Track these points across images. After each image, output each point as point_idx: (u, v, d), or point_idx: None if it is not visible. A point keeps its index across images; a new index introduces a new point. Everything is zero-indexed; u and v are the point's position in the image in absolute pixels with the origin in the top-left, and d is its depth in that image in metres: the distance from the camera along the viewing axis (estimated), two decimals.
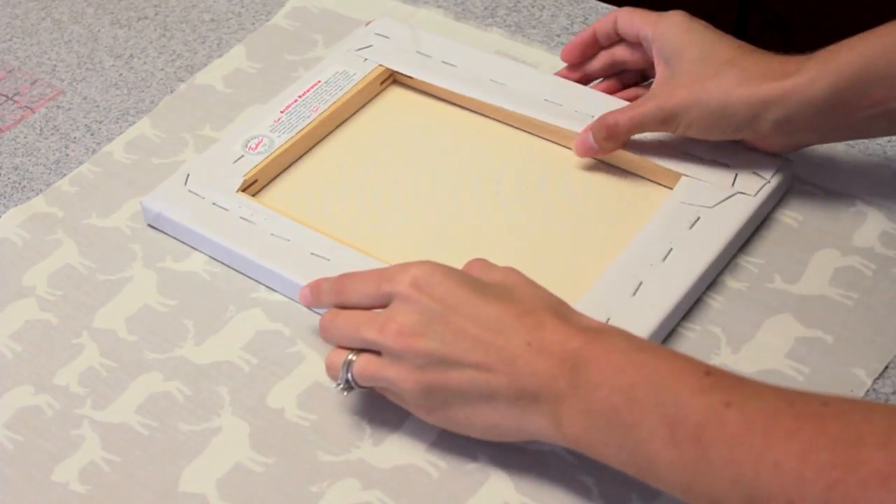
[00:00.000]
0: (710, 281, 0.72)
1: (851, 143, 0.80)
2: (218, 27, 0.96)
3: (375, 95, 0.86)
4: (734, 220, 0.73)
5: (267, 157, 0.80)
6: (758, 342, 0.69)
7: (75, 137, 0.87)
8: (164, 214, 0.78)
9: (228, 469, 0.66)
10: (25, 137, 0.88)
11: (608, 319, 0.68)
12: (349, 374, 0.65)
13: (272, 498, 0.65)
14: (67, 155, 0.86)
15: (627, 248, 0.72)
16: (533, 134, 0.82)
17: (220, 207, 0.77)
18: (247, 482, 0.65)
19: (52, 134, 0.88)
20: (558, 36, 0.91)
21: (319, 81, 0.85)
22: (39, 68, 0.94)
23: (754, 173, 0.75)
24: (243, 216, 0.76)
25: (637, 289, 0.69)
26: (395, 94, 0.87)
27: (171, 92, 0.90)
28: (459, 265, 0.71)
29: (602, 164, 0.79)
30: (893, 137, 0.80)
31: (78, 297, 0.76)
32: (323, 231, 0.75)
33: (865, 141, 0.80)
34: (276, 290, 0.74)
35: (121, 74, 0.93)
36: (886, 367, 0.67)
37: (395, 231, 0.77)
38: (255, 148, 0.81)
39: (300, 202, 0.79)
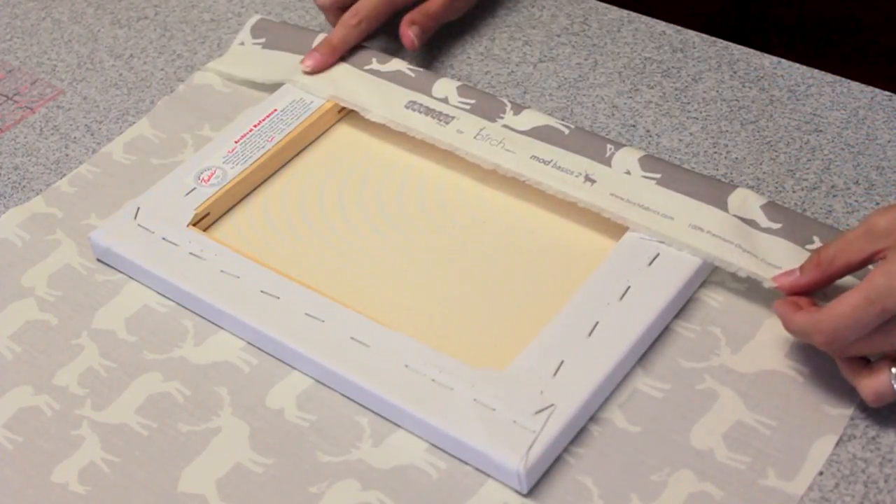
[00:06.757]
0: (670, 319, 0.70)
1: (855, 145, 0.80)
2: (218, 27, 0.96)
3: (333, 125, 0.84)
4: (696, 255, 0.71)
5: (220, 190, 0.78)
6: (758, 342, 0.69)
7: (75, 137, 0.87)
8: (113, 250, 0.76)
9: (228, 470, 0.66)
10: (25, 137, 0.88)
11: (562, 361, 0.66)
12: None
13: (272, 498, 0.65)
14: (67, 155, 0.86)
15: (584, 286, 0.70)
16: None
17: (170, 242, 0.75)
18: (246, 483, 0.65)
19: (52, 134, 0.88)
20: (558, 36, 0.91)
21: (276, 110, 0.83)
22: (39, 68, 0.94)
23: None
24: (193, 252, 0.74)
25: (593, 329, 0.68)
26: (354, 122, 0.85)
27: (171, 92, 0.90)
28: (407, 306, 0.70)
29: (557, 210, 0.77)
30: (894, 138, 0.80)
31: (77, 298, 0.76)
32: (274, 268, 0.73)
33: (868, 142, 0.80)
34: (226, 329, 0.73)
35: (121, 74, 0.93)
36: None
37: (347, 268, 0.75)
38: (208, 180, 0.79)
39: (253, 236, 0.77)
